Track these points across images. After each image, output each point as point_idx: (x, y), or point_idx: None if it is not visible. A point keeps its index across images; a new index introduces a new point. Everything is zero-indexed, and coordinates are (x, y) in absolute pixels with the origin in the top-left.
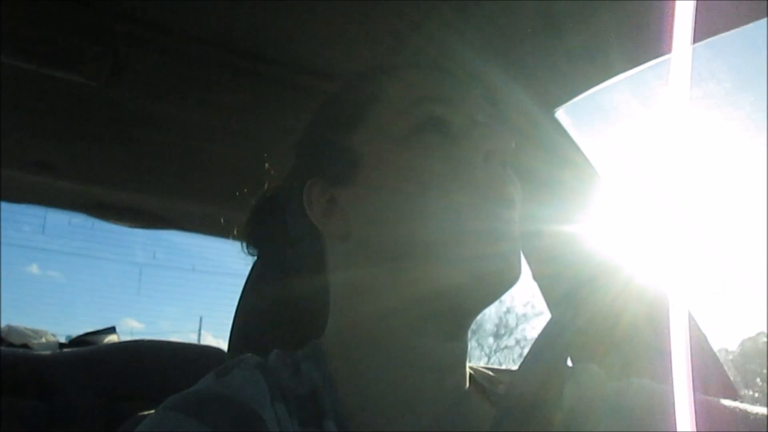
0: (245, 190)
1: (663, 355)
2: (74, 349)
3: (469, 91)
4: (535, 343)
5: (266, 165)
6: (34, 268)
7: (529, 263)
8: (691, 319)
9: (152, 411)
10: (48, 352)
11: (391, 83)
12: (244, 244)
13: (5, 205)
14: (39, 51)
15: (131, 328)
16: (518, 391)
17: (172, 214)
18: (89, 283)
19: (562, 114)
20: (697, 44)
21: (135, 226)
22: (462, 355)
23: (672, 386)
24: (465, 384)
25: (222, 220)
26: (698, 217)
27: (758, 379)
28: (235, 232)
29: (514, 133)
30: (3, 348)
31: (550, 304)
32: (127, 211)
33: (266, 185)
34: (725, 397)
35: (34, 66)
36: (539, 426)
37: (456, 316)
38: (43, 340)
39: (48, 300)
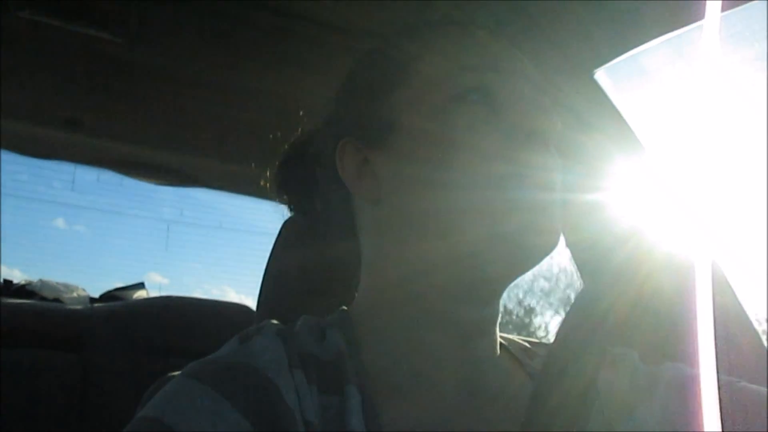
0: (276, 134)
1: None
2: (105, 303)
3: (518, 59)
4: (567, 315)
5: (301, 112)
6: (64, 224)
7: (563, 230)
8: (731, 293)
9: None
10: (79, 306)
11: (433, 44)
12: (276, 190)
13: (36, 161)
14: (65, 7)
15: (158, 283)
16: (555, 368)
17: (200, 171)
18: (118, 239)
19: (602, 75)
20: (753, 1)
21: (163, 184)
22: (491, 321)
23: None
24: (495, 352)
25: (261, 182)
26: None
27: None
28: (265, 183)
29: (555, 98)
30: (36, 302)
31: (583, 273)
32: (155, 169)
33: (300, 130)
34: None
35: (60, 22)
36: (577, 406)
37: (483, 285)
38: (75, 294)
39: (77, 255)
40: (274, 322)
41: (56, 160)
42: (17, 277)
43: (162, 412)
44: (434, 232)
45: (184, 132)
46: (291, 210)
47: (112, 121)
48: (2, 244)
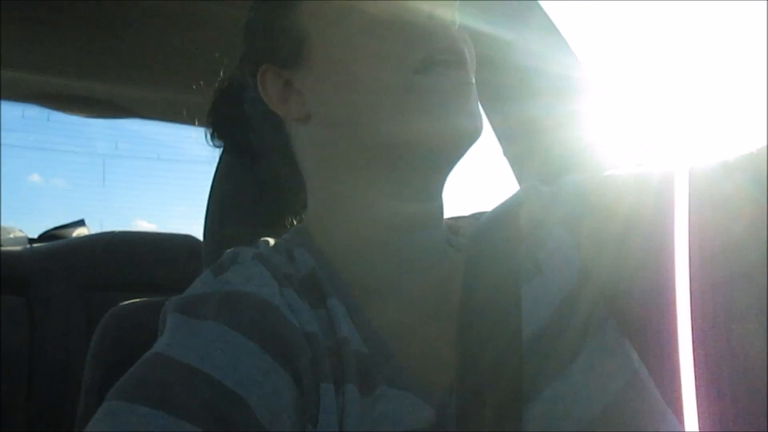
0: (201, 82)
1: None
2: (45, 243)
3: None
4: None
5: (217, 54)
6: None
7: (500, 141)
8: None
9: (133, 300)
10: (18, 248)
11: None
12: (209, 136)
13: None
14: None
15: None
16: (483, 238)
17: (130, 102)
18: (52, 177)
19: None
20: None
21: (93, 116)
22: (438, 214)
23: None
24: (443, 240)
25: (184, 110)
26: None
27: None
28: (196, 122)
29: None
30: None
31: (520, 181)
32: (82, 101)
33: (222, 73)
34: None
35: None
36: (508, 262)
37: (425, 175)
38: (11, 235)
39: (12, 196)
40: (243, 248)
41: None
42: None
43: (166, 346)
44: (364, 135)
45: (114, 60)
46: (229, 153)
47: (32, 51)
48: None
